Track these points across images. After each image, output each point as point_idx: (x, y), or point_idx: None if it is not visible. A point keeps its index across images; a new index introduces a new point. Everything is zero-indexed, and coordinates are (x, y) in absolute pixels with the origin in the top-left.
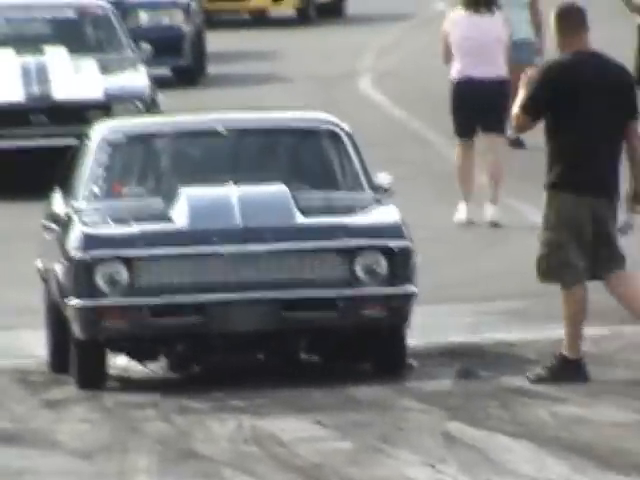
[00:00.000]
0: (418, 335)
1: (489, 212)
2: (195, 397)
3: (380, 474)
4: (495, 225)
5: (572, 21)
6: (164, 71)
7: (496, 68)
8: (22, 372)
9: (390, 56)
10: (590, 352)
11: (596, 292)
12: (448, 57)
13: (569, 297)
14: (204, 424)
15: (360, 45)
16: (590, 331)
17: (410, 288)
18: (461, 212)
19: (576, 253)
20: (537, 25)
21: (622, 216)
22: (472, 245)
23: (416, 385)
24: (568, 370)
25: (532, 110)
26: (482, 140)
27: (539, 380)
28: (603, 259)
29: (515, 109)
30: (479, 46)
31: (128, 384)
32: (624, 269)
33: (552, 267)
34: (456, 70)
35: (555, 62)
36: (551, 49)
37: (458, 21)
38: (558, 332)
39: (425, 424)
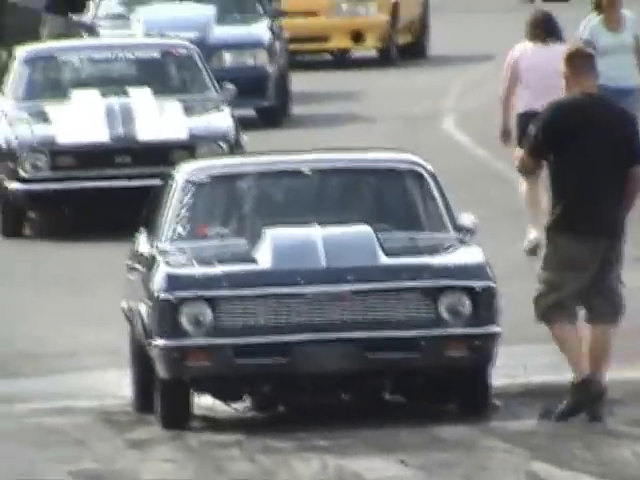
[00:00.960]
0: (500, 375)
1: None
2: (279, 437)
3: None
4: None
5: (583, 63)
6: (248, 112)
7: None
8: (107, 412)
9: (473, 96)
10: None
11: None
12: (511, 90)
13: (559, 334)
14: (288, 464)
15: (443, 86)
16: None
17: (494, 328)
18: (530, 235)
19: (573, 295)
20: None
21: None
22: None
23: (500, 425)
24: (585, 393)
25: (536, 151)
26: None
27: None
28: (596, 307)
29: (517, 151)
30: (542, 77)
31: (213, 424)
32: (613, 323)
33: (549, 307)
34: (521, 102)
35: (560, 102)
36: None
37: (522, 52)
38: None
39: (509, 464)
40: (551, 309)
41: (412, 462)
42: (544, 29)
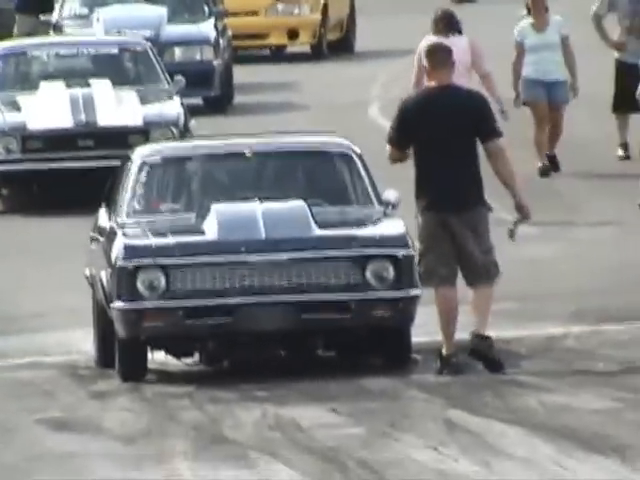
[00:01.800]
0: (419, 333)
1: None
2: (225, 388)
3: (388, 456)
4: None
5: (442, 56)
6: (196, 101)
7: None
8: (72, 367)
9: (396, 86)
10: (574, 347)
11: (580, 295)
12: (419, 76)
13: (436, 298)
14: (233, 412)
15: (368, 77)
16: (574, 329)
17: (414, 291)
18: None
19: (435, 262)
20: (570, 65)
21: (510, 225)
22: None
23: (420, 377)
24: (446, 365)
25: (395, 141)
26: None
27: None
28: (465, 272)
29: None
30: None
31: (166, 377)
32: (486, 284)
33: (421, 274)
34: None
35: (410, 97)
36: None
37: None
38: (547, 330)
39: (428, 412)
40: (425, 275)
41: (342, 410)
42: (446, 24)
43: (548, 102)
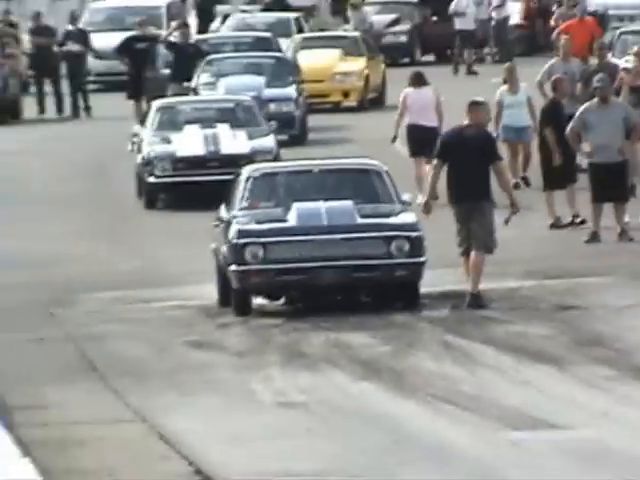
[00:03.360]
0: (426, 285)
1: None
2: (302, 321)
3: (407, 365)
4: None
5: (472, 108)
6: (284, 137)
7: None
8: (204, 308)
9: None
10: (526, 295)
11: (531, 260)
12: (403, 113)
13: (464, 259)
14: (307, 337)
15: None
16: (526, 283)
17: (422, 259)
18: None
19: (462, 238)
20: (533, 115)
21: (505, 216)
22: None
23: (427, 314)
24: (475, 300)
25: (437, 156)
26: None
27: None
28: (472, 242)
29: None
30: (418, 106)
31: (265, 314)
32: (484, 252)
33: (458, 242)
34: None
35: (449, 130)
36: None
37: (408, 93)
38: (509, 284)
39: (432, 337)
40: (460, 244)
41: (377, 335)
42: (417, 80)
43: (518, 140)
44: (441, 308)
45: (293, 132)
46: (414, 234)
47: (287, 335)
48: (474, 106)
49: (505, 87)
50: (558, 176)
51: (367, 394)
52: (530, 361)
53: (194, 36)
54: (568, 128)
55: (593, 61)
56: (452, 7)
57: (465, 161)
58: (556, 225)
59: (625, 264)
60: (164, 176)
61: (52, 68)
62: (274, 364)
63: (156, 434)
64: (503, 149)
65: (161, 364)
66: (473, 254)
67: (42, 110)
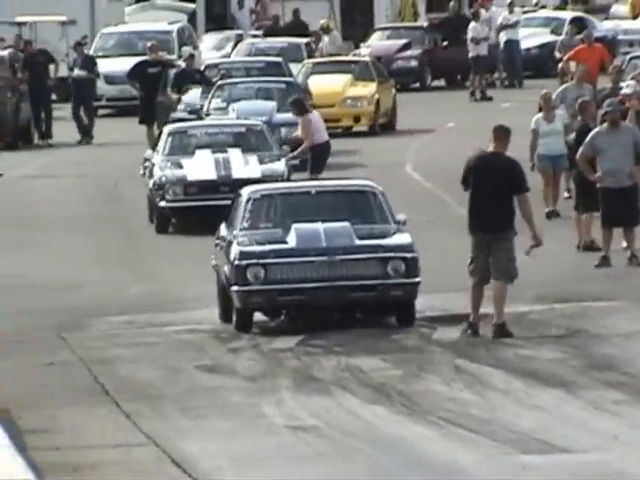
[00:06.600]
0: (438, 309)
1: None
2: (313, 346)
3: (417, 389)
4: None
5: (499, 134)
6: (295, 162)
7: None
8: (216, 332)
9: (423, 153)
10: (536, 319)
11: (540, 285)
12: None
13: (472, 288)
14: (319, 361)
15: (404, 146)
16: (536, 307)
17: (416, 279)
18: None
19: (476, 267)
20: (569, 145)
21: (527, 248)
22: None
23: (437, 337)
24: (470, 327)
25: (463, 182)
26: None
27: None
28: (494, 271)
29: None
30: None
31: (275, 337)
32: (505, 281)
33: (470, 271)
34: None
35: (471, 157)
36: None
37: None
38: (518, 308)
39: (443, 360)
40: (471, 272)
41: (388, 359)
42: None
43: (553, 169)
44: (453, 332)
45: (304, 157)
46: (409, 255)
47: (298, 359)
48: (500, 131)
49: (540, 115)
50: (594, 198)
51: (378, 418)
52: (540, 385)
53: (206, 61)
54: (579, 153)
55: (605, 85)
56: (470, 34)
57: (489, 189)
58: (590, 248)
59: (635, 288)
60: (175, 200)
61: (45, 94)
62: (285, 388)
63: (168, 458)
64: (536, 178)
65: (173, 388)
66: (494, 284)
67: (41, 136)
